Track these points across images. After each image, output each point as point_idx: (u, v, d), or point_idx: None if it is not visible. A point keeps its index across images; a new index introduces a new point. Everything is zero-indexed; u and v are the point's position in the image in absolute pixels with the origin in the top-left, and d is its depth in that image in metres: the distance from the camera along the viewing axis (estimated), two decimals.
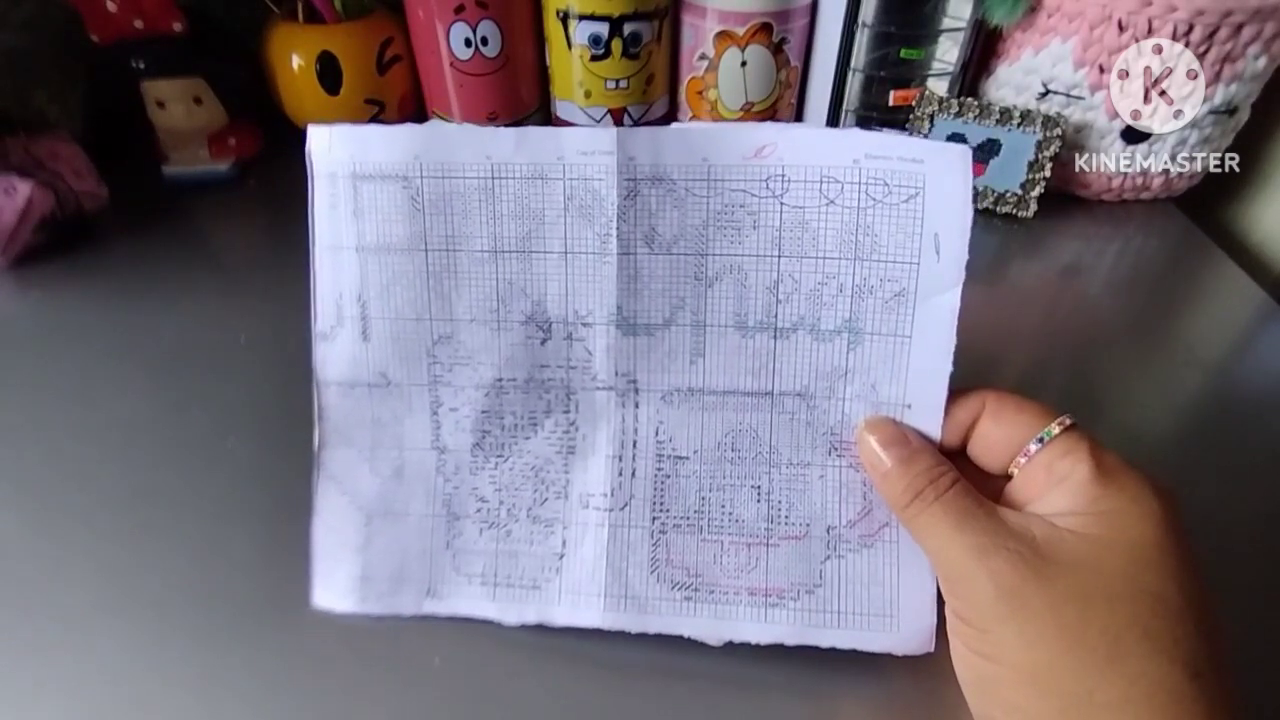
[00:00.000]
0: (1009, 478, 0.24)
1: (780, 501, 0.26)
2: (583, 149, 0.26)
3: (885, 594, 0.25)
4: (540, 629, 0.26)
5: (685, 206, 0.26)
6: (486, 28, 0.47)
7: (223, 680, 0.25)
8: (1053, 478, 0.22)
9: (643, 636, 0.25)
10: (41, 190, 0.41)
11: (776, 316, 0.26)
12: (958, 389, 0.25)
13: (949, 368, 0.25)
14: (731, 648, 0.25)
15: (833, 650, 0.25)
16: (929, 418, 0.25)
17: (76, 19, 0.44)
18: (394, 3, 0.49)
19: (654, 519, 0.26)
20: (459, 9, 0.46)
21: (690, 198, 0.26)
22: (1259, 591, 0.28)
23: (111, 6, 0.44)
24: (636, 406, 0.27)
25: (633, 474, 0.26)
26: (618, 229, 0.26)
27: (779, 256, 0.26)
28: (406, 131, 0.26)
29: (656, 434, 0.27)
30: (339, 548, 0.27)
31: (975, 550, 0.21)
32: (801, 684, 0.25)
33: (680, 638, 0.25)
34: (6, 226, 0.40)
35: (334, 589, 0.27)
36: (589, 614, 0.26)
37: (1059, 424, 0.23)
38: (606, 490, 0.26)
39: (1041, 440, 0.23)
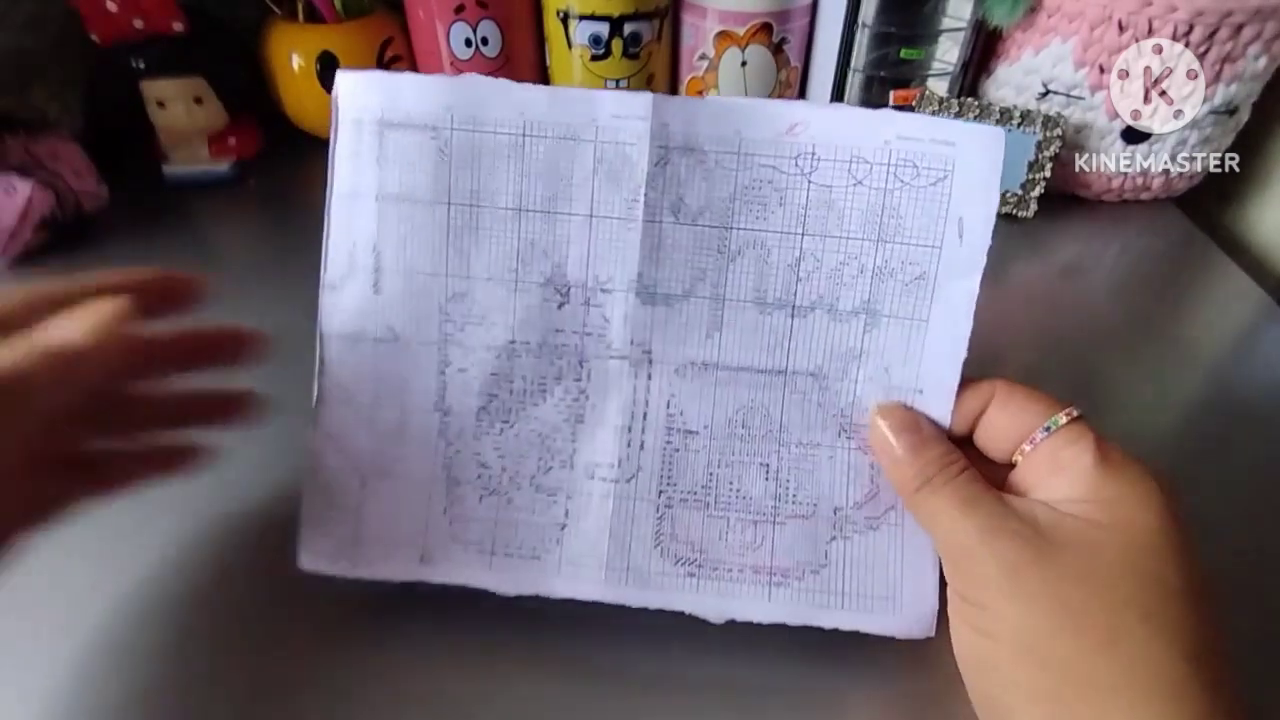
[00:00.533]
0: (1012, 466, 0.24)
1: (788, 480, 0.26)
2: (617, 112, 0.25)
3: (889, 576, 0.25)
4: (539, 628, 0.26)
5: (714, 178, 0.25)
6: (486, 28, 0.47)
7: (222, 681, 0.25)
8: (1056, 465, 0.23)
9: (642, 637, 0.25)
10: (41, 190, 0.41)
11: (795, 295, 0.26)
12: (968, 378, 0.25)
13: (964, 353, 0.25)
14: (731, 648, 0.25)
15: (834, 646, 0.25)
16: (940, 403, 0.25)
17: (76, 19, 0.44)
18: (394, 3, 0.49)
19: (660, 493, 0.26)
20: (459, 9, 0.46)
21: (720, 170, 0.25)
22: (1259, 591, 0.28)
23: (111, 6, 0.44)
24: (649, 378, 0.26)
25: (641, 446, 0.26)
26: (645, 195, 0.25)
27: (802, 234, 0.26)
28: (441, 81, 0.25)
29: (668, 407, 0.26)
30: (331, 509, 0.26)
31: (981, 531, 0.21)
32: (800, 685, 0.25)
33: (681, 635, 0.25)
34: (6, 226, 0.40)
35: (323, 551, 0.25)
36: (589, 586, 0.25)
37: (1066, 414, 0.23)
38: (614, 461, 0.26)
39: (1048, 429, 0.23)
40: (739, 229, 0.26)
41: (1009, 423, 0.24)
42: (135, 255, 0.44)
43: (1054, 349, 0.39)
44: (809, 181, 0.25)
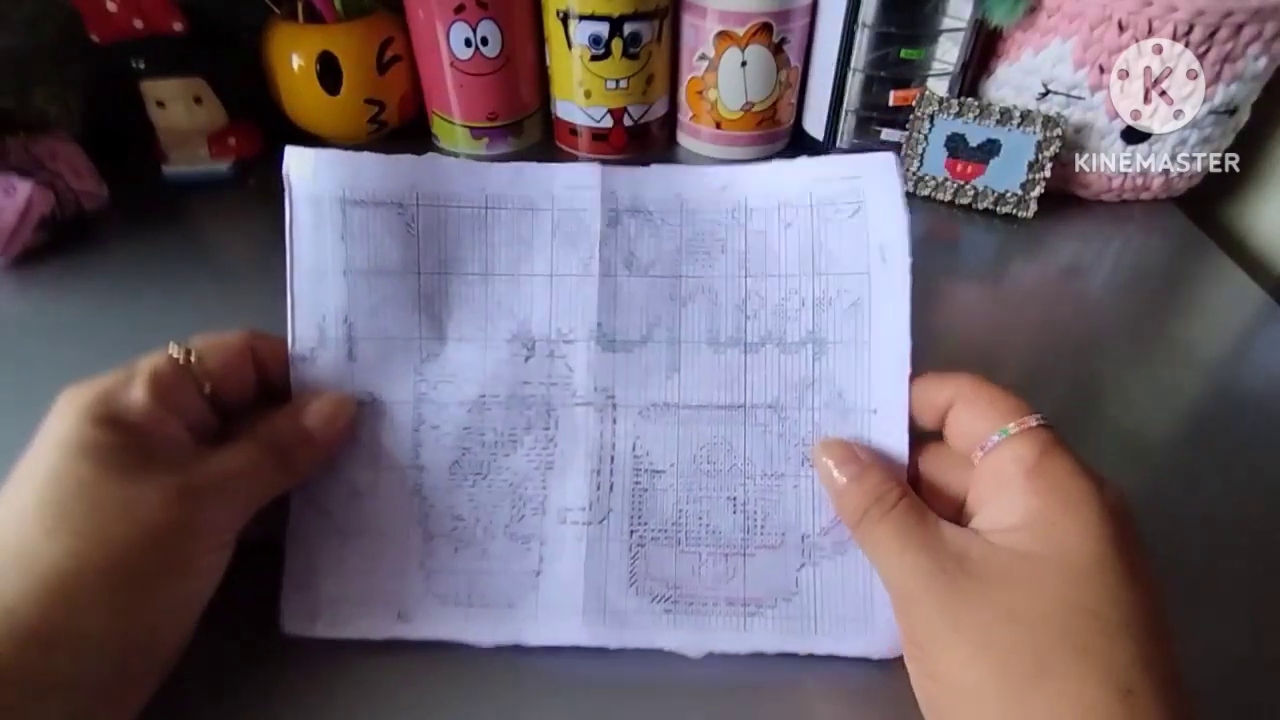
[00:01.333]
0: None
1: (756, 512, 0.26)
2: (570, 184, 0.28)
3: (859, 599, 0.25)
4: (516, 649, 0.25)
5: (661, 234, 0.28)
6: (486, 27, 0.47)
7: (202, 701, 0.24)
8: (999, 482, 0.22)
9: (620, 652, 0.25)
10: (41, 190, 0.41)
11: (746, 332, 0.27)
12: (939, 372, 0.25)
13: (908, 370, 0.26)
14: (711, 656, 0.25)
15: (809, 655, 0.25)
16: (894, 421, 0.26)
17: (76, 19, 0.44)
18: (394, 3, 0.49)
19: (632, 532, 0.26)
20: (459, 9, 0.46)
21: (665, 227, 0.28)
22: (1257, 591, 0.28)
23: (111, 6, 0.44)
24: (614, 421, 0.27)
25: (610, 488, 0.27)
26: (600, 253, 0.28)
27: (746, 276, 0.28)
28: (404, 162, 0.27)
29: (634, 448, 0.27)
30: (311, 570, 0.26)
31: (916, 572, 0.21)
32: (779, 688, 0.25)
33: (657, 652, 0.25)
34: (6, 226, 0.40)
35: (304, 613, 0.25)
36: (568, 631, 0.25)
37: (1018, 424, 0.22)
38: (584, 504, 0.26)
39: (998, 437, 0.23)
40: (688, 277, 0.28)
41: (970, 422, 0.24)
42: (135, 255, 0.44)
43: (1054, 349, 0.39)
44: (745, 229, 0.28)
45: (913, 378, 0.26)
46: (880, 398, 0.26)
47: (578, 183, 0.28)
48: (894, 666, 0.24)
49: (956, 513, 0.24)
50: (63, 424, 0.21)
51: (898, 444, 0.25)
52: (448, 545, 0.26)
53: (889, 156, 0.27)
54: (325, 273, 0.27)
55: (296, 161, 0.27)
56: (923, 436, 0.26)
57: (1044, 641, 0.19)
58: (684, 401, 0.27)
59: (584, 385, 0.27)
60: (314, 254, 0.27)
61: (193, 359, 0.24)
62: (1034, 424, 0.22)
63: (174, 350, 0.24)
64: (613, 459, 0.27)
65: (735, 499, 0.26)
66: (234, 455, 0.23)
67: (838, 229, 0.27)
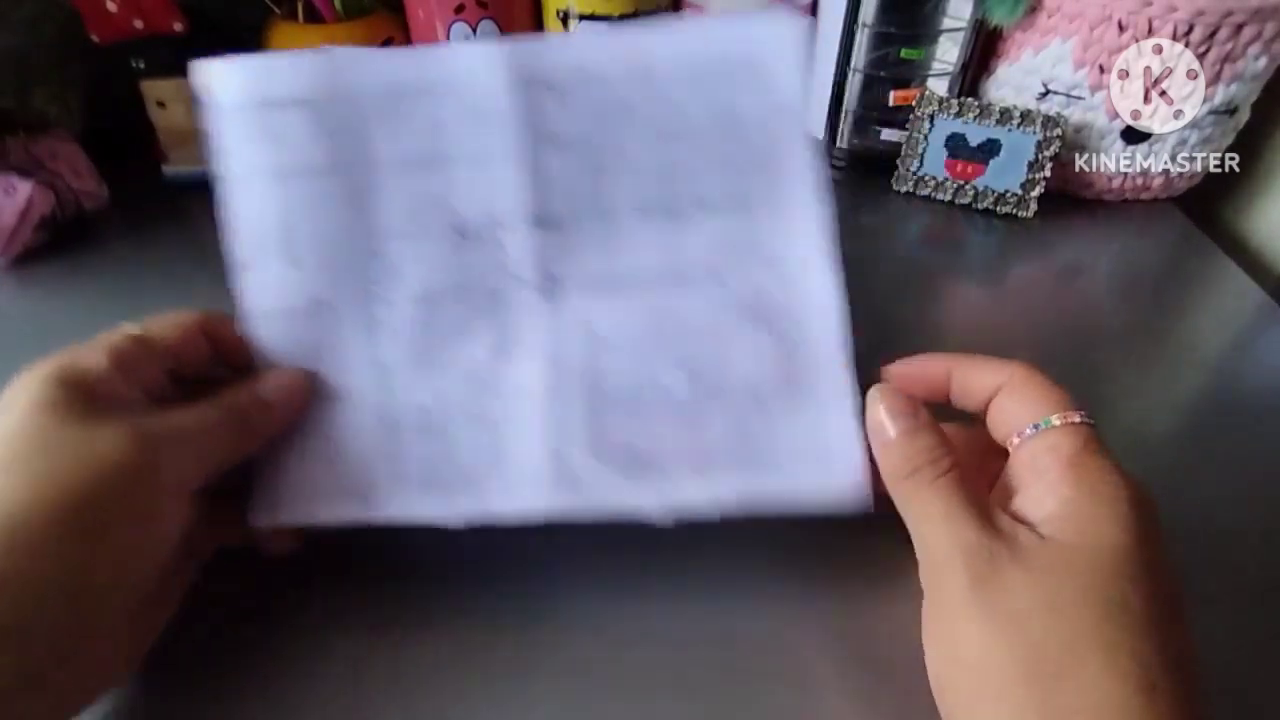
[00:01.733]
0: (1008, 456, 0.24)
1: (706, 372, 0.27)
2: (472, 64, 0.27)
3: (815, 440, 0.26)
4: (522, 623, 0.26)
5: (572, 106, 0.28)
6: (486, 27, 0.47)
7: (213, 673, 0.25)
8: (1034, 472, 0.22)
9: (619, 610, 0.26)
10: (41, 190, 0.41)
11: (672, 198, 0.28)
12: (994, 357, 0.25)
13: (825, 213, 0.27)
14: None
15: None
16: (823, 271, 0.27)
17: (76, 19, 0.44)
18: (394, 3, 0.49)
19: (588, 404, 0.27)
20: (459, 9, 0.46)
21: (574, 97, 0.28)
22: (1259, 591, 0.28)
23: (111, 6, 0.44)
24: (560, 299, 0.28)
25: (563, 363, 0.27)
26: (514, 131, 0.27)
27: (661, 142, 0.28)
28: (306, 56, 0.27)
29: (582, 323, 0.27)
30: (274, 465, 0.26)
31: (959, 544, 0.21)
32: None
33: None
34: (6, 226, 0.40)
35: (267, 504, 0.26)
36: (534, 501, 0.26)
37: (1061, 417, 0.22)
38: (538, 382, 0.27)
39: (1037, 427, 0.23)
40: (607, 146, 0.28)
41: (1014, 410, 0.24)
42: (135, 255, 0.44)
43: (1054, 349, 0.39)
44: (659, 96, 0.28)
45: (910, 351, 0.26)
46: (806, 245, 0.27)
47: (478, 62, 0.27)
48: (905, 663, 0.24)
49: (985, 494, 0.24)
50: (22, 387, 0.22)
51: (828, 287, 0.27)
52: (410, 433, 0.27)
53: (794, 20, 0.27)
54: (255, 177, 0.27)
55: (206, 73, 0.27)
56: (956, 419, 0.26)
57: (1074, 633, 0.19)
58: (625, 273, 0.28)
59: (525, 267, 0.28)
60: (243, 160, 0.27)
61: (147, 334, 0.25)
62: (1077, 419, 0.22)
63: (128, 328, 0.25)
64: (562, 335, 0.27)
65: (685, 361, 0.27)
66: (193, 412, 0.23)
67: (747, 87, 0.27)
